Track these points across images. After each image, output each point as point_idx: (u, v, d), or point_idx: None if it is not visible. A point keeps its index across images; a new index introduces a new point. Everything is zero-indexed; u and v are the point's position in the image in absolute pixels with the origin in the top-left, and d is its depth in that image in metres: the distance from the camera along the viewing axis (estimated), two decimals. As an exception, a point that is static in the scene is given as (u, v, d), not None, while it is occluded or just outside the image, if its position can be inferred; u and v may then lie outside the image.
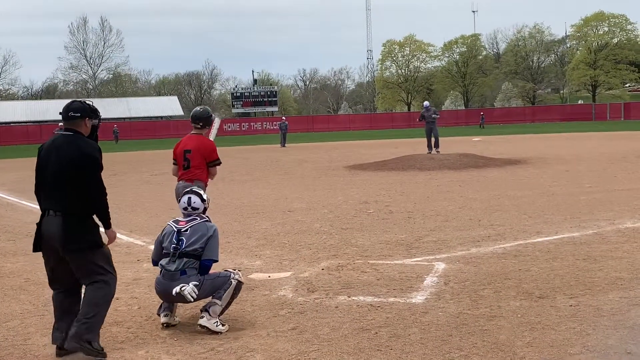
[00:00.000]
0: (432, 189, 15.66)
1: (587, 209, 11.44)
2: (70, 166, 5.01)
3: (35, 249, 5.25)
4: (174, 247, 5.70)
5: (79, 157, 5.03)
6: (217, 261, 5.81)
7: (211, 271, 5.80)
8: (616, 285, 6.57)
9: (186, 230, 5.75)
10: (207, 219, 5.95)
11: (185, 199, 5.98)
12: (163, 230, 5.93)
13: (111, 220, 5.26)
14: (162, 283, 5.66)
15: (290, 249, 9.09)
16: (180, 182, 7.74)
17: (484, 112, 71.91)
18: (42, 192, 5.20)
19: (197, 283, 5.57)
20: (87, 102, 5.34)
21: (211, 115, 7.99)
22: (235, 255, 8.67)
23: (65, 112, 5.20)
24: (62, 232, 4.98)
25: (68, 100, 5.70)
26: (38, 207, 5.29)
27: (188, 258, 5.64)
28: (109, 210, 5.24)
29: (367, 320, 5.77)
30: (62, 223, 4.99)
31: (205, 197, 6.07)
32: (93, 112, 5.27)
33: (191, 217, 5.89)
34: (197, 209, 5.95)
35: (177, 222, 5.89)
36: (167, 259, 5.70)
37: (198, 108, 8.03)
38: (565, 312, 5.77)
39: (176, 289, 5.50)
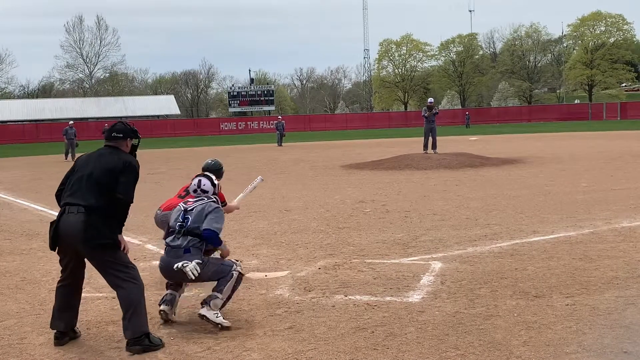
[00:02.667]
0: (428, 188, 15.67)
1: (584, 209, 11.46)
2: (109, 169, 5.25)
3: (52, 248, 5.37)
4: (179, 225, 5.76)
5: (119, 162, 5.30)
6: (217, 231, 5.71)
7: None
8: (612, 285, 6.59)
9: (192, 209, 5.83)
10: (215, 200, 5.98)
11: (195, 181, 6.08)
12: (172, 211, 6.02)
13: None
14: (165, 260, 5.70)
15: (287, 248, 9.09)
16: (159, 210, 7.52)
17: (469, 112, 72.11)
18: (68, 191, 5.32)
19: (200, 262, 5.58)
20: (128, 123, 5.69)
21: (222, 168, 7.65)
22: (232, 255, 8.64)
23: (109, 132, 5.54)
24: (83, 226, 5.09)
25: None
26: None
27: (192, 237, 5.67)
28: (127, 216, 5.37)
29: (364, 319, 5.77)
30: (84, 219, 5.10)
31: (216, 181, 6.13)
32: (134, 133, 5.62)
33: (199, 198, 5.95)
34: (207, 191, 6.03)
35: (186, 202, 6.00)
36: (172, 236, 5.75)
37: (209, 160, 7.71)
38: (562, 311, 5.78)
39: (178, 264, 5.52)
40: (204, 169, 7.66)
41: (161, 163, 27.64)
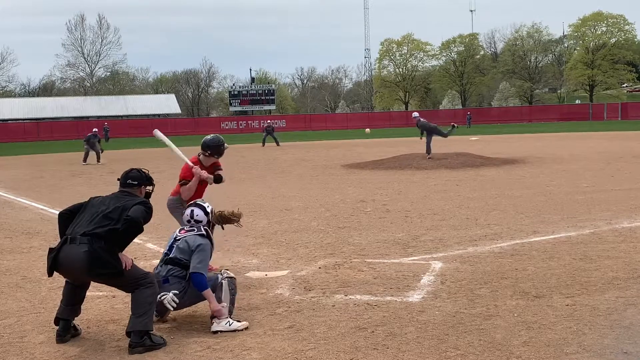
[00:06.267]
0: (429, 188, 15.67)
1: (584, 209, 11.46)
2: (121, 206, 5.26)
3: (50, 275, 5.37)
4: (164, 254, 5.82)
5: (133, 201, 5.33)
6: (203, 275, 5.61)
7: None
8: (613, 285, 6.59)
9: (180, 239, 5.83)
10: (204, 232, 5.92)
11: (188, 211, 6.08)
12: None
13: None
14: None
15: (287, 247, 9.09)
16: (170, 197, 7.54)
17: (470, 111, 72.15)
18: (75, 223, 5.32)
19: (177, 292, 5.55)
20: (143, 170, 5.69)
21: (222, 145, 7.60)
22: (232, 254, 8.67)
23: (124, 179, 5.58)
24: (86, 257, 5.09)
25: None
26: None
27: (173, 266, 5.67)
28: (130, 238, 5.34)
29: (364, 319, 5.77)
30: (86, 249, 5.10)
31: (209, 210, 6.11)
32: (148, 180, 5.65)
33: (191, 228, 5.95)
34: (200, 221, 6.01)
35: (181, 230, 6.01)
36: (158, 265, 5.80)
37: (209, 136, 7.71)
38: (562, 312, 5.78)
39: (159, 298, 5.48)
40: (203, 146, 7.55)
41: (162, 162, 27.61)
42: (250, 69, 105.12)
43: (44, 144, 53.90)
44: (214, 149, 7.57)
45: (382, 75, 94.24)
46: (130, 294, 5.35)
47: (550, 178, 16.86)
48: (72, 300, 5.48)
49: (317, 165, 24.31)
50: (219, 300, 5.63)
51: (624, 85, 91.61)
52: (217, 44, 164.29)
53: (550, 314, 5.74)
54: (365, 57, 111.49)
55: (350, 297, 6.47)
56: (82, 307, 5.65)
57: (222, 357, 5.00)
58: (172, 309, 5.55)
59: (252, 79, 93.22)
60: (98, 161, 29.28)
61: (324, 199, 14.27)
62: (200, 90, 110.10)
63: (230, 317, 5.64)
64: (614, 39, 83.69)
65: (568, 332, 5.27)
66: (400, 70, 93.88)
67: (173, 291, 5.54)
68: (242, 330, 5.55)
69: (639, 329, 5.30)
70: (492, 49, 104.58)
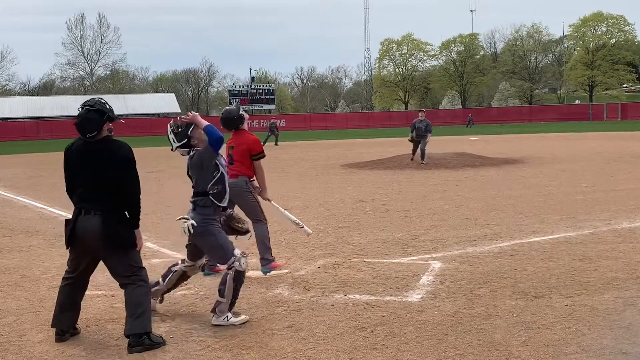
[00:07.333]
0: (428, 188, 15.68)
1: (584, 209, 11.46)
2: (108, 172, 5.21)
3: (68, 246, 5.40)
4: (192, 186, 5.92)
5: (115, 162, 5.24)
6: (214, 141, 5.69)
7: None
8: (612, 285, 6.59)
9: (191, 165, 5.91)
10: (201, 149, 5.85)
11: (175, 147, 5.93)
12: None
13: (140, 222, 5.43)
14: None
15: (286, 247, 9.09)
16: (237, 179, 7.66)
17: (472, 112, 72.12)
18: (77, 193, 5.33)
19: (196, 225, 5.68)
20: (93, 109, 5.37)
21: (234, 117, 7.59)
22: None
23: (83, 134, 5.26)
24: (102, 227, 5.16)
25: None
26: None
27: (198, 196, 5.81)
28: (140, 210, 5.41)
29: (363, 318, 5.77)
30: (102, 220, 5.16)
31: (180, 129, 5.88)
32: (106, 119, 5.30)
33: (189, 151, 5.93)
34: (188, 143, 5.85)
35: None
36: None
37: (223, 109, 7.73)
38: (561, 312, 5.78)
39: (180, 217, 5.78)
40: (220, 120, 7.64)
41: (161, 161, 27.61)
42: (250, 69, 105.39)
43: (43, 143, 53.84)
44: (224, 123, 7.63)
45: (382, 75, 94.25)
46: (123, 287, 5.34)
47: (550, 178, 16.86)
48: (70, 302, 5.43)
49: (316, 164, 24.31)
50: (222, 294, 5.65)
51: (624, 85, 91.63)
52: (217, 43, 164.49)
53: (550, 314, 5.74)
54: (365, 57, 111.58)
55: (349, 296, 6.47)
56: (81, 306, 5.64)
57: (221, 357, 4.99)
58: (186, 234, 5.71)
59: (252, 79, 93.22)
60: None
61: (323, 198, 14.26)
62: (200, 89, 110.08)
63: (229, 313, 5.67)
64: (613, 40, 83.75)
65: (567, 332, 5.27)
66: (400, 70, 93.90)
67: (192, 221, 5.69)
68: (240, 325, 5.59)
69: (638, 329, 5.30)
70: (492, 49, 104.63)
